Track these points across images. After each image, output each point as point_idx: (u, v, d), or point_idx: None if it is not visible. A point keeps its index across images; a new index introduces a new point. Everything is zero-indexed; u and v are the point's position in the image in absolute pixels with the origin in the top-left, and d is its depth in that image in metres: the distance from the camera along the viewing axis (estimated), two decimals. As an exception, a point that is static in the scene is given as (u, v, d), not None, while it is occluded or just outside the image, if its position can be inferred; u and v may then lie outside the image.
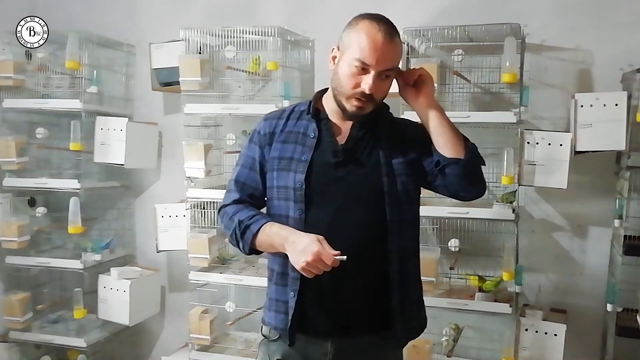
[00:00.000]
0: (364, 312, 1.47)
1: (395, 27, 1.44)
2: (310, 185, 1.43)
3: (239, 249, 1.52)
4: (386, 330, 1.48)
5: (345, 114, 1.46)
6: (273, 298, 1.52)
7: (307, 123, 1.51)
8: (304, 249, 1.33)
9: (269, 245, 1.45)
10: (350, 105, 1.43)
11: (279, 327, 1.50)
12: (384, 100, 1.58)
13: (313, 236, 1.35)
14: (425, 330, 1.65)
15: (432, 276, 2.30)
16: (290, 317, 1.46)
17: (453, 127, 1.48)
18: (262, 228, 1.44)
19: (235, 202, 1.54)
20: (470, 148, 1.47)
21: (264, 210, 1.56)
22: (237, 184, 1.56)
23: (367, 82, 1.39)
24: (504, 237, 2.34)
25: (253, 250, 1.50)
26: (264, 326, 1.57)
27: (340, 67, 1.43)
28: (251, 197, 1.55)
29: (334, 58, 1.47)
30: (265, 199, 1.55)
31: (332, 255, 1.31)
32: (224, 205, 1.56)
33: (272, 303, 1.52)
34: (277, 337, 1.52)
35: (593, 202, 2.42)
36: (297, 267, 1.35)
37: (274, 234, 1.42)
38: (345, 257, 1.32)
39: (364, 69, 1.39)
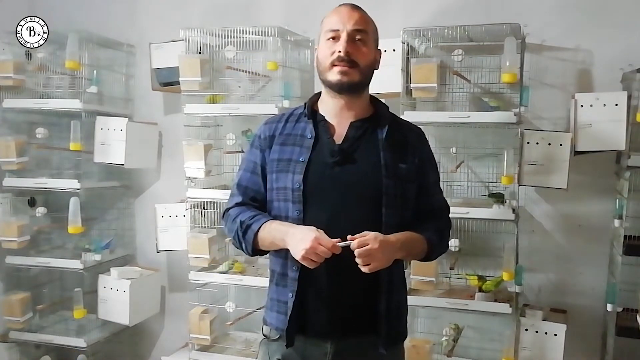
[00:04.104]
0: (362, 312, 1.47)
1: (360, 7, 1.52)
2: (308, 186, 1.45)
3: (243, 250, 1.54)
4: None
5: (334, 88, 1.47)
6: (274, 299, 1.53)
7: (305, 125, 1.52)
8: (302, 237, 1.36)
9: (270, 243, 1.47)
10: (334, 75, 1.45)
11: (279, 327, 1.50)
12: (383, 101, 1.59)
13: (312, 227, 1.38)
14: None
15: (432, 276, 2.30)
16: (288, 317, 1.46)
17: (413, 250, 1.51)
18: (262, 226, 1.47)
19: (237, 205, 1.57)
20: (430, 251, 1.54)
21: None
22: (240, 187, 1.58)
23: (340, 44, 1.44)
24: (504, 237, 2.34)
25: (256, 251, 1.52)
26: (264, 326, 1.58)
27: (318, 51, 1.50)
28: (254, 200, 1.57)
29: (317, 57, 1.53)
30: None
31: (330, 240, 1.34)
32: (228, 209, 1.59)
33: (274, 303, 1.53)
34: (277, 337, 1.52)
35: (593, 202, 2.42)
36: (297, 257, 1.37)
37: (274, 230, 1.45)
38: (349, 242, 1.34)
39: (334, 38, 1.45)
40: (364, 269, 1.36)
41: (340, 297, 1.45)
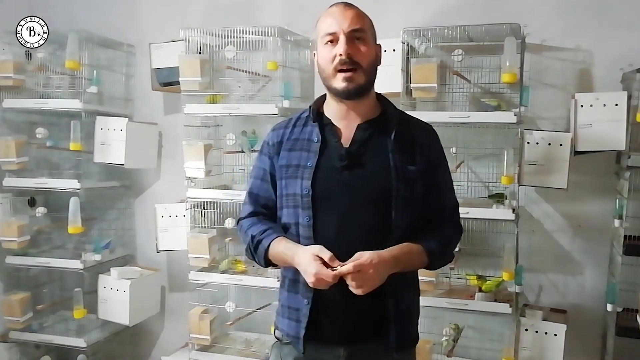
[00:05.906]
0: (374, 317, 1.46)
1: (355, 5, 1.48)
2: (317, 191, 1.43)
3: (256, 262, 1.54)
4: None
5: (341, 95, 1.44)
6: (285, 305, 1.52)
7: (312, 128, 1.50)
8: (305, 270, 1.36)
9: (283, 262, 1.47)
10: (339, 81, 1.42)
11: (291, 334, 1.49)
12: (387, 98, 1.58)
13: (309, 253, 1.35)
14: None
15: (432, 276, 2.30)
16: (304, 325, 1.45)
17: (411, 263, 1.46)
18: (271, 244, 1.46)
19: (250, 214, 1.56)
20: (431, 262, 1.49)
21: None
22: (251, 196, 1.58)
23: (339, 46, 1.41)
24: (504, 237, 2.34)
25: (270, 264, 1.51)
26: (276, 330, 1.57)
27: (319, 56, 1.46)
28: (265, 207, 1.56)
29: (317, 63, 1.50)
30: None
31: (331, 274, 1.32)
32: (241, 218, 1.59)
33: (285, 310, 1.52)
34: (289, 341, 1.51)
35: (593, 202, 2.42)
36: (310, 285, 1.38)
37: (282, 253, 1.44)
38: (345, 267, 1.32)
39: (332, 41, 1.42)
40: (357, 292, 1.34)
41: (353, 302, 1.42)
